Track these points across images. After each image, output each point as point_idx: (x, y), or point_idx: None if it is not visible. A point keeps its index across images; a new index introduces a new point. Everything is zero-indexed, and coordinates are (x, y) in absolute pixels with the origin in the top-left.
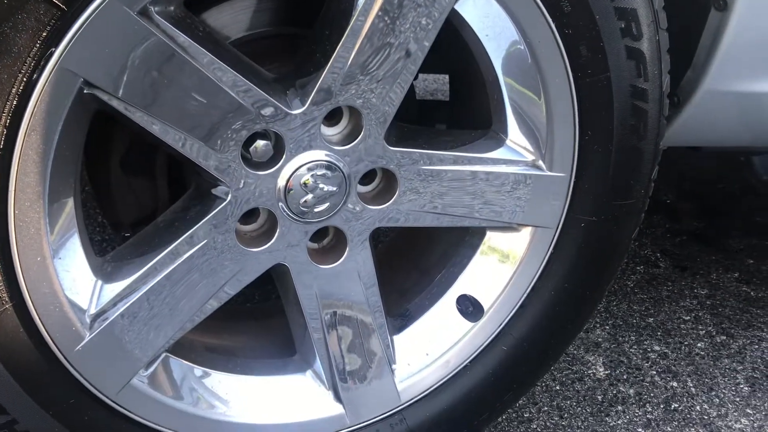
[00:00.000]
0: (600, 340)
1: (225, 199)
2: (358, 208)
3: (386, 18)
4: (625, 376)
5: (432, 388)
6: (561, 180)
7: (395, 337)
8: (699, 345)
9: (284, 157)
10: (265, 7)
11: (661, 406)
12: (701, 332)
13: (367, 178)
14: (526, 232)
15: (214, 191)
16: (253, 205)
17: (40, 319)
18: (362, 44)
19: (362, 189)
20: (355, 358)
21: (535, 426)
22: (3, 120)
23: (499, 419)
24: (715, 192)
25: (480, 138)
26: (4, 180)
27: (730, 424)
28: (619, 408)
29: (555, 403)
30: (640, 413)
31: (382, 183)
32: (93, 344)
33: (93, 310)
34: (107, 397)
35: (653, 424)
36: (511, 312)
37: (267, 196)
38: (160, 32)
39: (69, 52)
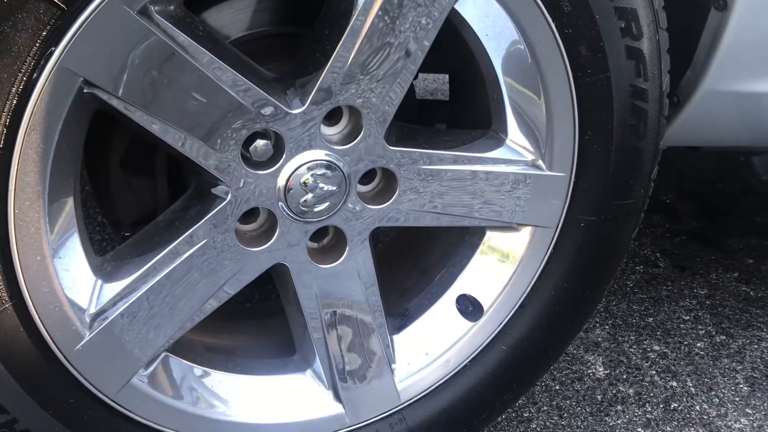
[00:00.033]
0: (599, 339)
1: (225, 199)
2: (357, 208)
3: (386, 18)
4: (624, 376)
5: (432, 388)
6: (561, 180)
7: (395, 337)
8: (698, 345)
9: (284, 156)
10: (265, 7)
11: (661, 406)
12: (701, 332)
13: (366, 177)
14: (525, 232)
15: (213, 191)
16: (253, 205)
17: (39, 318)
18: (362, 44)
19: (362, 188)
20: (354, 357)
21: (534, 426)
22: (3, 119)
23: (499, 419)
24: (714, 192)
25: (480, 138)
26: (4, 179)
27: (729, 423)
28: (619, 408)
29: (554, 402)
30: (639, 413)
31: (381, 182)
32: (93, 343)
33: (93, 310)
34: (107, 397)
35: (653, 423)
36: (510, 312)
37: (267, 196)
38: (160, 31)
39: (69, 52)
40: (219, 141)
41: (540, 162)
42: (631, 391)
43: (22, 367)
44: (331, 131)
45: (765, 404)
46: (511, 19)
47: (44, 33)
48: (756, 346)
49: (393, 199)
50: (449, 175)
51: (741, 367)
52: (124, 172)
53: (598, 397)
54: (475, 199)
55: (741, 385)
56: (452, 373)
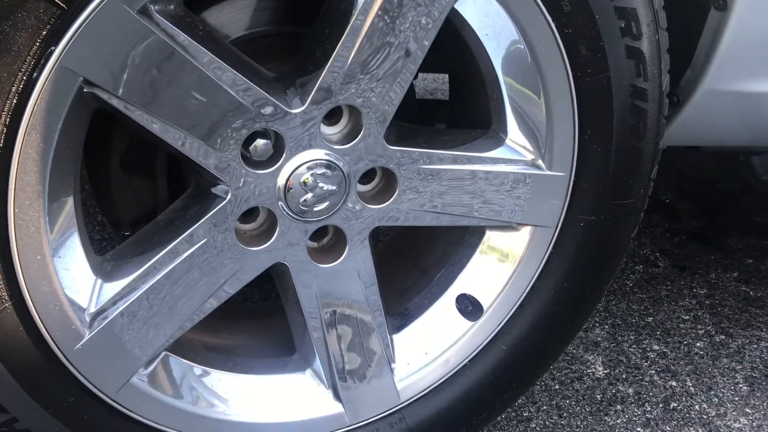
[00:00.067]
0: (599, 339)
1: (225, 198)
2: (357, 207)
3: (386, 17)
4: (624, 376)
5: (431, 387)
6: (560, 179)
7: (395, 336)
8: (698, 344)
9: (284, 156)
10: (265, 6)
11: (660, 406)
12: (700, 332)
13: (366, 177)
14: (525, 232)
15: (213, 190)
16: (253, 204)
17: (39, 317)
18: (362, 43)
19: (362, 188)
20: (354, 357)
21: (534, 425)
22: (3, 118)
23: (498, 418)
24: (714, 192)
25: (480, 137)
26: (4, 178)
27: (729, 423)
28: (618, 407)
29: (554, 402)
30: (639, 412)
31: (381, 182)
32: (92, 343)
33: (92, 309)
34: (107, 396)
35: (652, 423)
36: (510, 311)
37: (267, 195)
38: (160, 31)
39: (69, 51)
40: (219, 140)
41: (540, 162)
42: (630, 390)
43: (22, 366)
44: (331, 131)
45: (764, 404)
46: (511, 19)
47: (44, 32)
48: (755, 346)
49: (393, 198)
50: (449, 175)
51: (740, 366)
52: (124, 171)
53: (598, 396)
54: (474, 199)
55: (740, 385)
56: (452, 373)
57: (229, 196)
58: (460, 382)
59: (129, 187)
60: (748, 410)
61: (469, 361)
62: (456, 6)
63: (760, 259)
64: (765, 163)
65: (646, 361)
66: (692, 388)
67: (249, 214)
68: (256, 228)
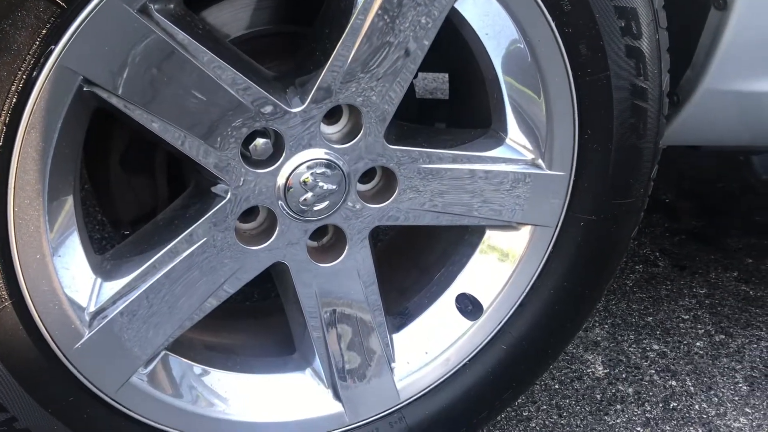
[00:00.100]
0: (599, 339)
1: (224, 197)
2: (357, 207)
3: (386, 17)
4: (624, 375)
5: (431, 387)
6: (560, 179)
7: (394, 336)
8: (698, 344)
9: (284, 155)
10: (265, 5)
11: (660, 405)
12: (700, 331)
13: (366, 176)
14: (525, 231)
15: (213, 189)
16: (253, 203)
17: (39, 316)
18: (362, 43)
19: (362, 187)
20: (354, 356)
21: (533, 425)
22: (2, 117)
23: (498, 418)
24: (714, 191)
25: (479, 137)
26: (3, 177)
27: (728, 423)
28: (618, 407)
29: (554, 401)
30: (639, 412)
31: (381, 181)
32: (92, 342)
33: (92, 308)
34: (106, 395)
35: (652, 423)
36: (510, 311)
37: (266, 194)
38: (160, 30)
39: (68, 50)
40: (219, 139)
41: (540, 161)
42: (630, 390)
43: (21, 365)
44: (330, 130)
45: (764, 403)
46: (511, 18)
47: (44, 31)
48: (755, 346)
49: (393, 197)
50: (449, 174)
51: (740, 366)
52: (123, 170)
53: (598, 396)
54: (474, 198)
55: (740, 385)
56: (452, 372)
57: (228, 195)
58: (460, 382)
59: (129, 186)
60: (747, 410)
61: (469, 360)
62: (456, 5)
63: (760, 258)
64: (765, 162)
65: (646, 361)
66: (692, 388)
67: (249, 214)
68: (256, 227)
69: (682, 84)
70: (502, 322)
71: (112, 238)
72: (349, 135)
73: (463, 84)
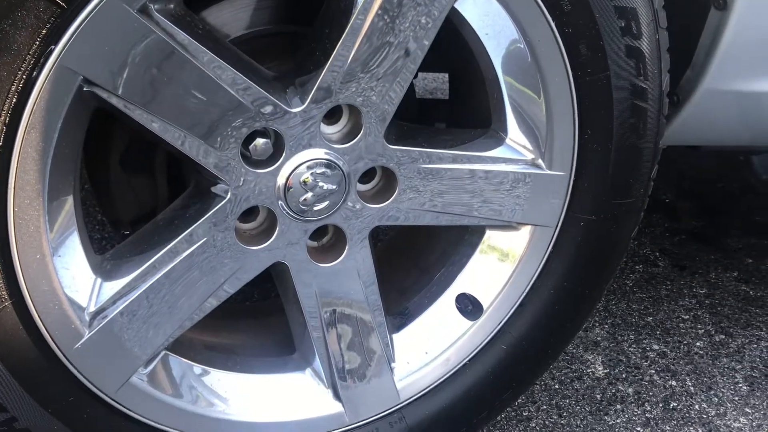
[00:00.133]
0: (599, 338)
1: (224, 197)
2: (357, 207)
3: (386, 17)
4: (624, 375)
5: (431, 387)
6: (560, 179)
7: (394, 336)
8: (698, 344)
9: (284, 155)
10: (265, 5)
11: (660, 405)
12: (700, 331)
13: (366, 176)
14: (525, 231)
15: (213, 189)
16: (253, 203)
17: (39, 316)
18: (362, 43)
19: (362, 187)
20: (354, 356)
21: (533, 424)
22: (2, 117)
23: (498, 418)
24: (714, 191)
25: (479, 137)
26: (3, 177)
27: (728, 423)
28: (618, 407)
29: (554, 401)
30: (639, 412)
31: (381, 181)
32: (92, 342)
33: (92, 308)
34: (106, 395)
35: (652, 423)
36: (510, 311)
37: (266, 194)
38: (160, 30)
39: (68, 50)
40: (219, 139)
41: (540, 161)
42: (630, 390)
43: (21, 365)
44: (330, 130)
45: (764, 403)
46: (511, 18)
47: (44, 31)
48: (755, 346)
49: (393, 197)
50: (449, 174)
51: (740, 366)
52: (123, 170)
53: (598, 396)
54: (474, 198)
55: (740, 385)
56: (452, 372)
57: (228, 195)
58: (460, 382)
59: (129, 186)
60: (747, 410)
61: (469, 360)
62: (456, 5)
63: (760, 258)
64: (765, 162)
65: (646, 361)
66: (692, 388)
67: (249, 214)
68: (256, 227)
69: (682, 84)
70: (502, 322)
71: (112, 238)
72: (349, 135)
73: (463, 84)
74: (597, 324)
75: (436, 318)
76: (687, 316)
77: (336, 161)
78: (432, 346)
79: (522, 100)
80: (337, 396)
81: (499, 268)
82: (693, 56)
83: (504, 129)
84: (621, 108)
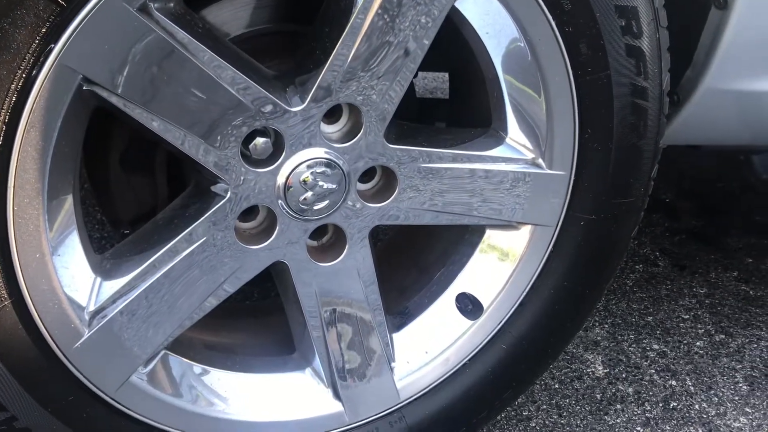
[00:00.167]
0: (599, 338)
1: (224, 197)
2: (357, 206)
3: (386, 16)
4: (624, 375)
5: (431, 386)
6: (561, 178)
7: (394, 335)
8: (698, 344)
9: (284, 154)
10: (265, 4)
11: (660, 405)
12: (700, 331)
13: (366, 175)
14: (525, 231)
15: (213, 188)
16: (253, 203)
17: (38, 316)
18: (362, 42)
19: (362, 186)
20: (354, 356)
21: (533, 424)
22: (2, 116)
23: (498, 417)
24: (714, 191)
25: (480, 136)
26: (3, 176)
27: (728, 422)
28: (618, 406)
29: (554, 401)
30: (639, 412)
31: (381, 181)
32: (92, 341)
33: (92, 307)
34: (106, 394)
35: (652, 422)
36: (510, 310)
37: (266, 194)
38: (160, 29)
39: (68, 49)
40: (219, 138)
41: (540, 160)
42: (630, 390)
43: (21, 364)
44: (330, 129)
45: (764, 403)
46: (512, 17)
47: (44, 30)
48: (755, 345)
49: (393, 197)
50: (449, 174)
51: (740, 366)
52: (123, 169)
53: (598, 395)
54: (474, 198)
55: (740, 384)
56: (452, 372)
57: (228, 195)
58: (460, 381)
59: (128, 185)
60: (747, 409)
61: (469, 360)
62: (456, 4)
63: (760, 258)
64: (765, 161)
65: (646, 361)
66: (692, 388)
67: (249, 213)
68: (256, 226)
69: (683, 83)
70: (503, 322)
71: (112, 238)
72: (349, 134)
73: (463, 83)
74: (597, 324)
75: (436, 317)
76: (687, 316)
77: (336, 160)
78: (432, 346)
79: (522, 99)
80: (336, 395)
81: (499, 268)
82: (693, 55)
83: (504, 128)
84: (621, 107)
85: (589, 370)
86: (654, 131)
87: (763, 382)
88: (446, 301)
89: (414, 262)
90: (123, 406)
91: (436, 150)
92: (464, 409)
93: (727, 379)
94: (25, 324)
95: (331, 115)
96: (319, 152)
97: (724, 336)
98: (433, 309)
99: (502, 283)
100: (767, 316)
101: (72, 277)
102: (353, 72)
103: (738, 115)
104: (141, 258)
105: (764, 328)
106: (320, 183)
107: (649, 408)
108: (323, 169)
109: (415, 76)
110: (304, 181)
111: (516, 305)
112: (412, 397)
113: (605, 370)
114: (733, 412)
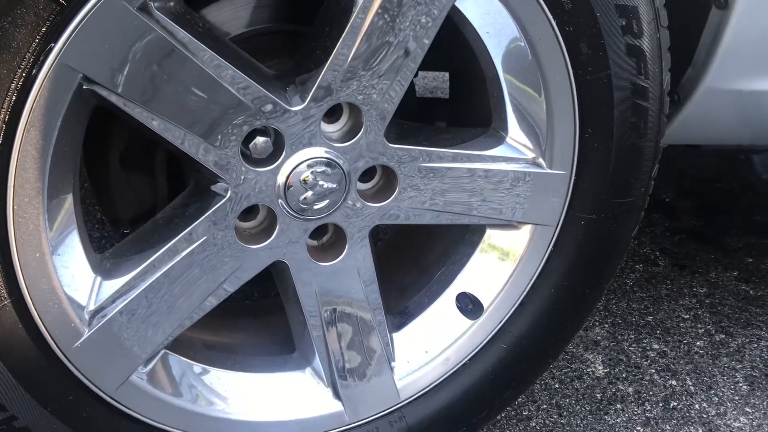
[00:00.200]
0: (599, 338)
1: (224, 196)
2: (357, 205)
3: (386, 16)
4: (624, 375)
5: (431, 386)
6: (561, 177)
7: (395, 335)
8: (698, 343)
9: (284, 153)
10: (265, 4)
11: (660, 405)
12: (700, 331)
13: (366, 175)
14: (525, 230)
15: (213, 188)
16: (253, 202)
17: (38, 315)
18: (362, 41)
19: (362, 186)
20: (354, 355)
21: (534, 424)
22: (2, 115)
23: (498, 417)
24: (714, 190)
25: (480, 135)
26: (3, 175)
27: (728, 422)
28: (618, 406)
29: (554, 401)
30: (639, 411)
31: (381, 180)
32: (92, 341)
33: (92, 307)
34: (106, 394)
35: (652, 422)
36: (510, 310)
37: (266, 193)
38: (160, 28)
39: (68, 48)
40: (219, 138)
41: (540, 160)
42: (630, 389)
43: (20, 364)
44: (331, 128)
45: (764, 403)
46: (512, 17)
47: (44, 29)
48: (755, 345)
49: (393, 196)
50: (449, 173)
51: (740, 365)
52: (123, 169)
53: (598, 395)
54: (475, 197)
55: (740, 384)
56: (452, 371)
57: (228, 194)
58: (460, 381)
59: (128, 184)
60: (748, 409)
61: (469, 359)
62: (457, 4)
63: (760, 257)
64: (765, 161)
65: (646, 360)
66: (692, 387)
67: (249, 212)
68: (256, 226)
69: (683, 83)
70: (503, 322)
71: (112, 237)
72: (350, 133)
73: (463, 83)
74: (597, 323)
75: (436, 317)
76: (687, 316)
77: (336, 160)
78: (432, 346)
79: (522, 98)
80: (336, 395)
81: (499, 267)
82: (694, 55)
83: (504, 128)
84: (622, 107)
85: (589, 370)
86: (654, 131)
87: (763, 382)
88: (446, 300)
89: (414, 261)
90: (123, 405)
91: (437, 149)
92: (464, 409)
93: (727, 378)
94: (25, 323)
95: (332, 115)
96: (319, 152)
97: (724, 336)
98: (433, 308)
99: (502, 283)
100: (767, 315)
101: (72, 276)
102: (353, 71)
103: (738, 115)
104: (141, 257)
105: (764, 328)
106: (320, 182)
107: (649, 408)
108: (323, 168)
109: (416, 75)
110: (304, 180)
111: (516, 305)
112: (412, 396)
113: (605, 370)
114: (733, 412)
